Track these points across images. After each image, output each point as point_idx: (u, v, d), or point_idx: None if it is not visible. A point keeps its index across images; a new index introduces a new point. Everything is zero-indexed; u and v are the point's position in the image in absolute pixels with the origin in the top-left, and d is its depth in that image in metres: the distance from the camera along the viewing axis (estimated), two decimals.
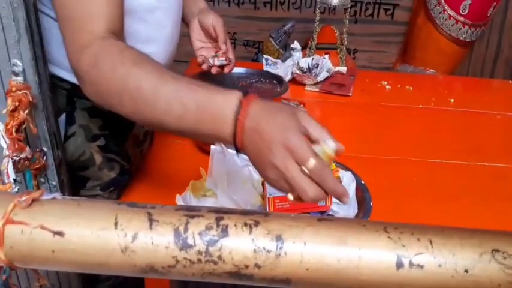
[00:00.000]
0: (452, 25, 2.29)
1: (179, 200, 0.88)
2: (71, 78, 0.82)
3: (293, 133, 0.55)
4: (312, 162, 0.53)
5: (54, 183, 0.78)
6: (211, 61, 0.97)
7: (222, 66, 0.97)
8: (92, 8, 0.65)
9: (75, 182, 0.87)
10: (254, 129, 0.56)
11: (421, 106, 1.50)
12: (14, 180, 0.74)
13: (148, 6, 0.82)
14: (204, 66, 0.98)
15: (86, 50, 0.64)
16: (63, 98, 0.83)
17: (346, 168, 0.96)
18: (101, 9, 0.66)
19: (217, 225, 0.39)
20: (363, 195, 0.89)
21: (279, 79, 1.18)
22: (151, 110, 0.61)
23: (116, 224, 0.39)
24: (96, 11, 0.65)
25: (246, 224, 0.39)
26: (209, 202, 0.87)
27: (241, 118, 0.56)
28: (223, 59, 0.97)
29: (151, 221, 0.40)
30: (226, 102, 0.58)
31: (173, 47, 0.93)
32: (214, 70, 0.97)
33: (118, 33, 0.68)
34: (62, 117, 0.83)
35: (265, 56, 1.68)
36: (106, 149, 0.89)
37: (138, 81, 0.61)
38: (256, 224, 0.39)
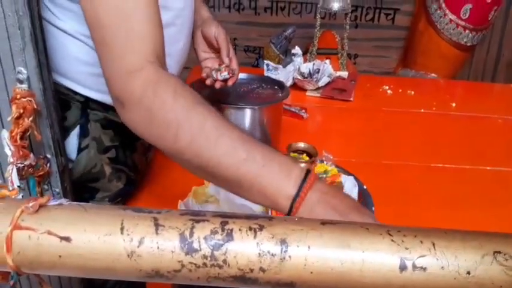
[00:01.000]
0: (453, 29, 2.30)
1: (181, 207, 0.89)
2: (83, 91, 0.83)
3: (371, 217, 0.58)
4: None
5: (57, 190, 0.79)
6: (214, 75, 0.97)
7: (225, 80, 0.98)
8: (136, 28, 0.62)
9: (84, 193, 0.87)
10: (325, 193, 0.57)
11: (422, 110, 1.51)
12: (18, 187, 0.74)
13: (164, 23, 0.83)
14: (208, 82, 0.99)
15: (138, 74, 0.61)
16: (77, 110, 0.84)
17: (349, 173, 0.96)
18: (146, 28, 0.63)
19: (222, 230, 0.40)
20: (365, 200, 0.90)
21: (280, 84, 1.18)
22: (212, 149, 0.58)
23: (122, 229, 0.40)
24: (141, 31, 0.62)
25: (250, 228, 0.40)
26: (211, 208, 0.88)
27: (311, 179, 0.57)
28: (226, 73, 0.97)
29: (157, 226, 0.40)
30: (294, 163, 0.59)
31: (184, 60, 0.94)
32: (217, 85, 0.97)
33: (162, 55, 0.66)
34: (76, 130, 0.84)
35: (266, 61, 1.69)
36: (116, 161, 0.89)
37: (202, 117, 0.59)
38: (261, 228, 0.40)
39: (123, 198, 0.95)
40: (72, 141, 0.84)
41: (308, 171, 0.58)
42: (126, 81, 0.61)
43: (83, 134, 0.84)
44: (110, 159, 0.88)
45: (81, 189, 0.86)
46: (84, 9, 0.64)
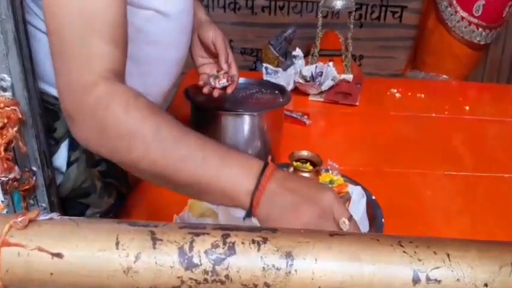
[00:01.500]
0: (465, 27, 2.32)
1: (177, 221, 0.89)
2: None
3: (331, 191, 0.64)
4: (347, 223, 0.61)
5: (44, 205, 0.80)
6: (212, 83, 0.99)
7: (224, 87, 0.99)
8: (97, 48, 0.65)
9: (73, 209, 0.88)
10: (284, 179, 0.63)
11: (433, 115, 1.53)
12: (1, 202, 0.75)
13: (162, 29, 0.84)
14: (205, 90, 1.00)
15: (92, 90, 0.64)
16: (66, 120, 0.85)
17: (356, 183, 0.97)
18: (107, 49, 0.66)
19: (224, 243, 0.40)
20: (374, 211, 0.91)
21: (280, 89, 1.20)
22: (167, 157, 0.63)
23: (117, 244, 0.41)
24: (101, 51, 0.65)
25: (254, 241, 0.40)
26: (209, 222, 0.88)
27: (269, 171, 0.62)
28: (225, 80, 0.98)
29: (154, 240, 0.41)
30: (254, 159, 0.64)
31: (182, 66, 0.95)
32: (216, 93, 0.99)
33: (121, 74, 0.69)
34: (66, 142, 0.85)
35: (264, 64, 1.71)
36: (106, 174, 0.90)
37: (156, 127, 0.63)
38: (265, 240, 0.40)
39: (114, 214, 0.96)
40: (62, 154, 0.84)
41: (266, 164, 0.63)
42: (79, 96, 0.65)
43: (72, 147, 0.85)
44: (100, 173, 0.89)
45: (69, 205, 0.87)
46: (45, 14, 0.66)
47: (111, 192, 0.93)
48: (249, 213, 0.62)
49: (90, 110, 0.64)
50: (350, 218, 0.62)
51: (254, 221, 0.63)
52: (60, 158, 0.85)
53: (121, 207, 0.99)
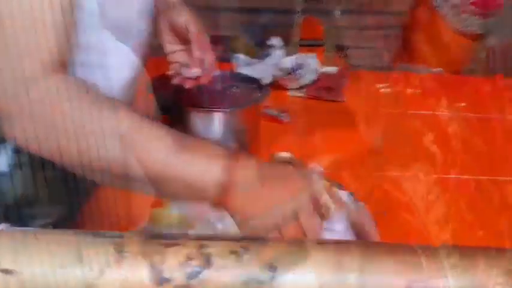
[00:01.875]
0: (458, 15, 2.36)
1: None
2: None
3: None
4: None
5: None
6: (183, 72, 0.98)
7: (197, 78, 1.00)
8: (40, 35, 0.65)
9: (18, 221, 0.87)
10: (262, 167, 0.68)
11: (428, 112, 1.55)
12: None
13: (118, 12, 0.84)
14: (176, 81, 1.00)
15: (36, 83, 0.64)
16: None
17: (342, 188, 0.98)
18: (51, 37, 0.66)
19: (200, 255, 0.41)
20: None
21: (256, 82, 1.20)
22: (126, 151, 0.64)
23: (79, 258, 0.41)
24: (44, 38, 0.65)
25: (233, 252, 0.41)
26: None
27: (239, 158, 0.66)
28: (199, 69, 0.98)
29: (120, 252, 0.42)
30: (217, 145, 0.68)
31: (142, 52, 0.95)
32: (188, 84, 0.99)
33: (65, 64, 0.69)
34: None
35: (236, 54, 1.71)
36: (56, 179, 0.89)
37: (114, 120, 0.64)
38: (246, 250, 0.41)
39: (65, 226, 0.95)
40: (4, 157, 0.83)
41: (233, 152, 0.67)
42: (19, 91, 0.64)
43: (17, 148, 0.84)
44: (51, 177, 0.88)
45: (12, 216, 0.86)
46: None
47: (62, 200, 0.92)
48: (217, 204, 0.65)
49: (33, 106, 0.64)
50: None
51: (233, 230, 0.64)
52: (2, 161, 0.84)
53: (74, 217, 0.98)
